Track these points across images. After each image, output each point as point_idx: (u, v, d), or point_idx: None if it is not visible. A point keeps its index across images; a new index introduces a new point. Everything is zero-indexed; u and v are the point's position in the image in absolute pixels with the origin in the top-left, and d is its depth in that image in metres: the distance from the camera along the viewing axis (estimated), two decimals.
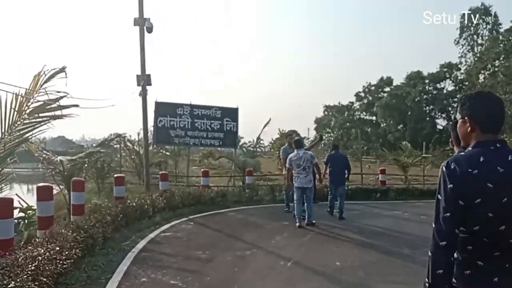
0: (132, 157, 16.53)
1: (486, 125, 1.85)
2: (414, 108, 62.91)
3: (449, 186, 1.78)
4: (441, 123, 63.57)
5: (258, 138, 16.81)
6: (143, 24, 12.74)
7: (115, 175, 9.62)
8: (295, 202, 9.39)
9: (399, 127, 67.53)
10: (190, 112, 17.57)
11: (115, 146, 16.97)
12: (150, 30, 12.84)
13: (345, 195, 10.81)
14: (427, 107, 64.21)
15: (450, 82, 62.95)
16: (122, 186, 9.44)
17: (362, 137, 78.77)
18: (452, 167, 1.79)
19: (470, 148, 1.86)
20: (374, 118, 77.06)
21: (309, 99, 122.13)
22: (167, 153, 16.92)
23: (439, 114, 63.56)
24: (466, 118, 1.90)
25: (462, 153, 1.86)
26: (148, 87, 13.03)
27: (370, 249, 7.24)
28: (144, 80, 12.74)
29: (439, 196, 1.84)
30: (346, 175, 10.85)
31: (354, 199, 13.79)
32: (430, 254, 1.83)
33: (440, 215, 1.81)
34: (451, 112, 60.90)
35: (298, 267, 6.15)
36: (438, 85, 64.31)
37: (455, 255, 1.83)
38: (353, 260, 6.51)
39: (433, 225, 1.84)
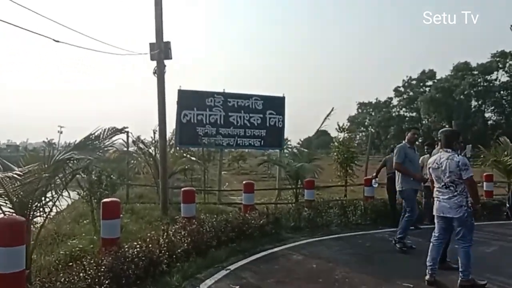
0: (149, 162, 12.55)
1: None
2: (462, 102, 57.16)
3: None
4: (493, 118, 57.64)
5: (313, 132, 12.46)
6: None
7: (103, 201, 5.54)
8: (432, 239, 5.28)
9: (442, 123, 61.86)
10: (223, 103, 13.54)
11: (125, 148, 13.13)
12: None
13: None
14: (478, 101, 58.28)
15: (504, 72, 56.85)
16: (115, 220, 5.37)
17: (402, 134, 73.36)
18: None
19: None
20: (414, 114, 71.49)
21: (340, 97, 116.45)
22: (193, 158, 12.74)
23: (492, 108, 57.51)
24: None
25: None
26: (167, 62, 9.00)
27: None
28: (160, 49, 8.71)
29: None
30: None
31: None
32: None
33: None
34: (506, 105, 54.80)
35: None
36: (488, 77, 58.32)
37: None
38: None
39: None
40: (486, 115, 59.08)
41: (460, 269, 4.94)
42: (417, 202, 10.44)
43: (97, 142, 5.67)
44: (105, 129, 6.41)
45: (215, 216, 7.72)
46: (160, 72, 8.73)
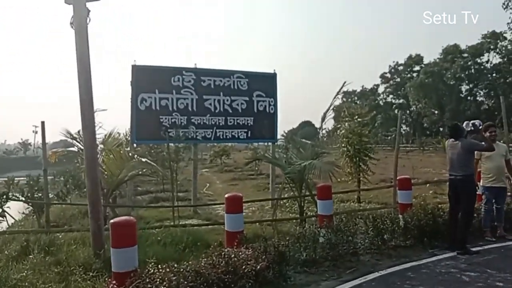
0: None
1: None
2: (454, 87, 54.61)
3: None
4: (486, 102, 55.31)
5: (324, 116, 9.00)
6: None
7: None
8: None
9: (433, 110, 59.33)
10: (195, 82, 10.17)
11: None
12: None
13: None
14: (469, 85, 55.81)
15: (495, 54, 54.38)
16: None
17: (389, 122, 70.69)
18: None
19: None
20: (402, 100, 68.89)
21: (324, 85, 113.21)
22: (143, 159, 8.88)
23: (485, 91, 55.12)
24: None
25: None
26: (95, 5, 5.56)
27: None
28: None
29: None
30: None
31: None
32: None
33: None
34: (499, 89, 52.39)
35: None
36: (479, 59, 55.80)
37: None
38: None
39: None
40: (478, 99, 56.80)
41: None
42: (476, 208, 7.36)
43: None
44: None
45: (175, 263, 4.39)
46: (79, 22, 5.26)
